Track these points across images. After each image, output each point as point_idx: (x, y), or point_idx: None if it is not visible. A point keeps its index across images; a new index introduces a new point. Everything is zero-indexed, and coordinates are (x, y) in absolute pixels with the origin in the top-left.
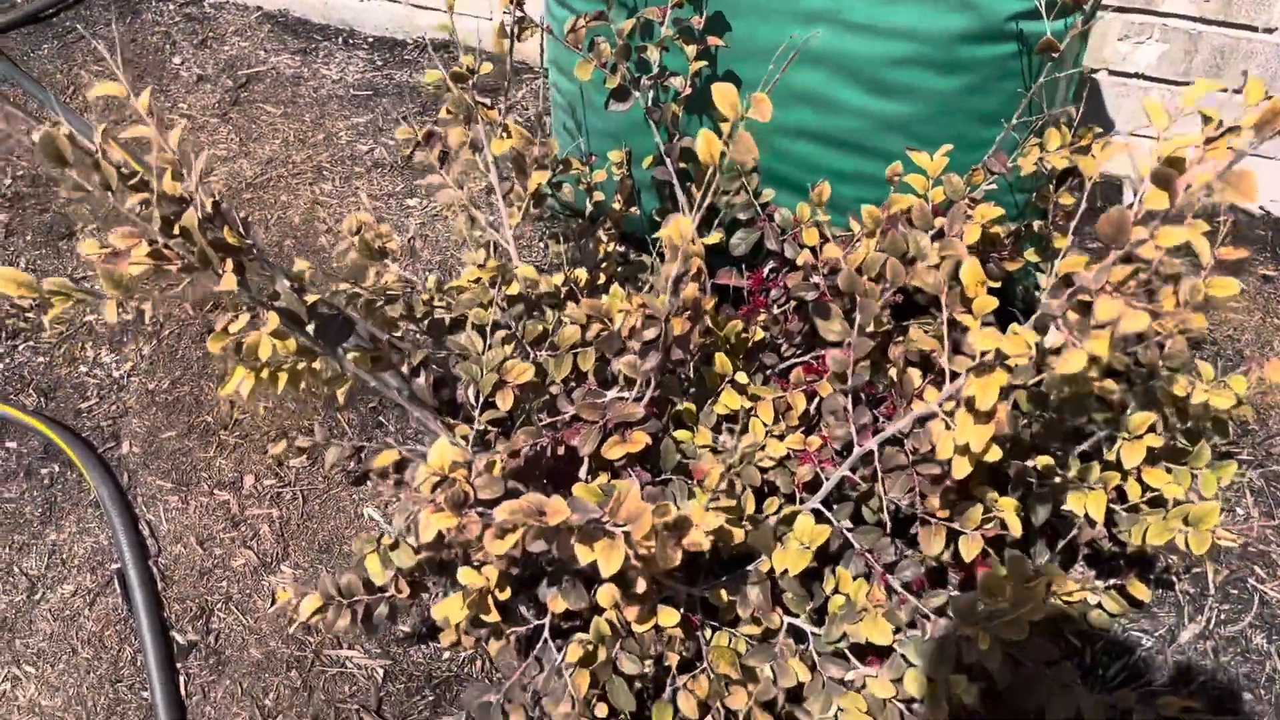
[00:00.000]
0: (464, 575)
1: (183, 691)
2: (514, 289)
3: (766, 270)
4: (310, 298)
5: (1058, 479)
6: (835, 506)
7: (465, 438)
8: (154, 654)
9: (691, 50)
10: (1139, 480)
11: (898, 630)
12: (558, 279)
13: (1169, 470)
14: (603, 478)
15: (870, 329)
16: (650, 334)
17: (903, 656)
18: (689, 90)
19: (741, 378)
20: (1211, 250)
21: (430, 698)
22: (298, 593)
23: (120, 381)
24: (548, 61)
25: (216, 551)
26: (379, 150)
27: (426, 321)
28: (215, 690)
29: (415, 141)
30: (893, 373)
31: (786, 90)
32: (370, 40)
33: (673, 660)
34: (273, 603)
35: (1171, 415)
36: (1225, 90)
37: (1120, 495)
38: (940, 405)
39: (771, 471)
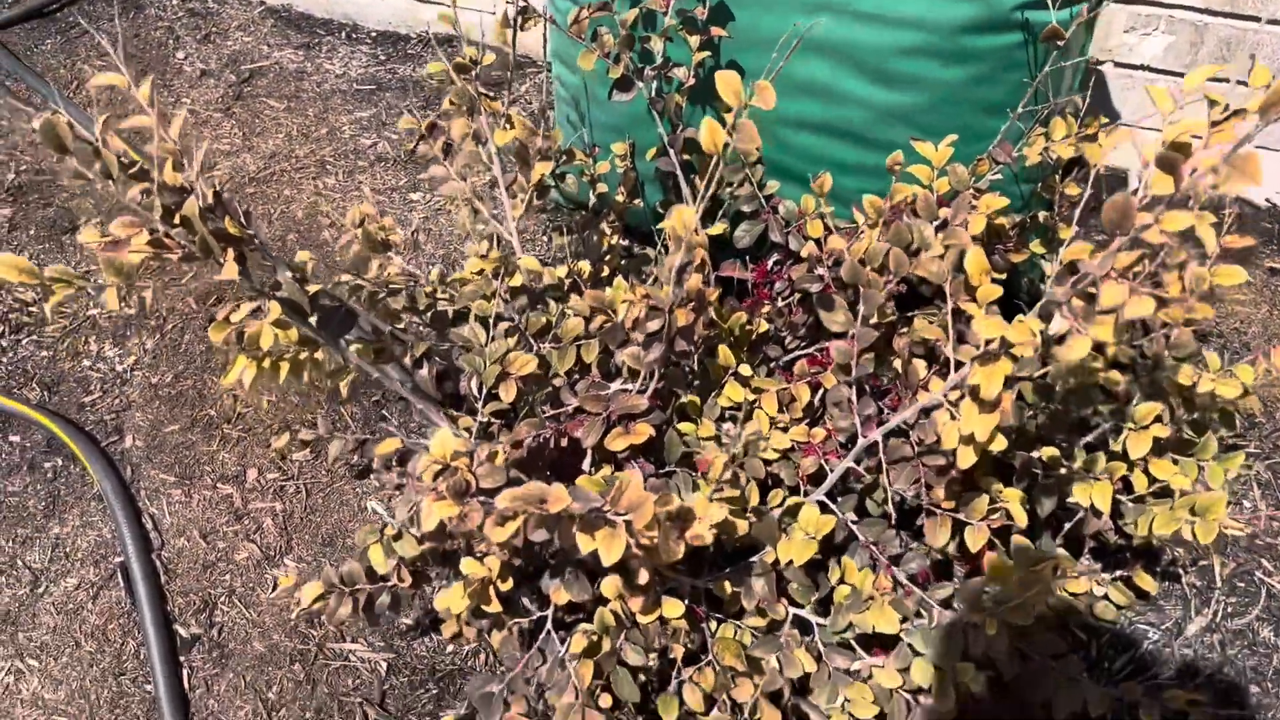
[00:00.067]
0: (466, 565)
1: (186, 685)
2: (517, 281)
3: (770, 262)
4: (312, 288)
5: (1063, 470)
6: (839, 499)
7: (468, 430)
8: (157, 647)
9: (695, 40)
10: (1145, 472)
11: (904, 620)
12: (561, 271)
13: (1175, 462)
14: (606, 470)
15: (874, 320)
16: (654, 325)
17: (909, 646)
18: (692, 81)
19: (745, 370)
20: (1217, 239)
21: (433, 691)
22: (299, 581)
23: (123, 375)
24: (550, 55)
25: (219, 545)
26: (382, 145)
27: (429, 314)
28: (218, 683)
29: (419, 134)
30: (897, 364)
31: (790, 81)
32: (373, 35)
33: (678, 652)
34: (273, 589)
35: (1178, 406)
36: (1229, 81)
37: (1126, 486)
38: (945, 395)
39: (776, 464)
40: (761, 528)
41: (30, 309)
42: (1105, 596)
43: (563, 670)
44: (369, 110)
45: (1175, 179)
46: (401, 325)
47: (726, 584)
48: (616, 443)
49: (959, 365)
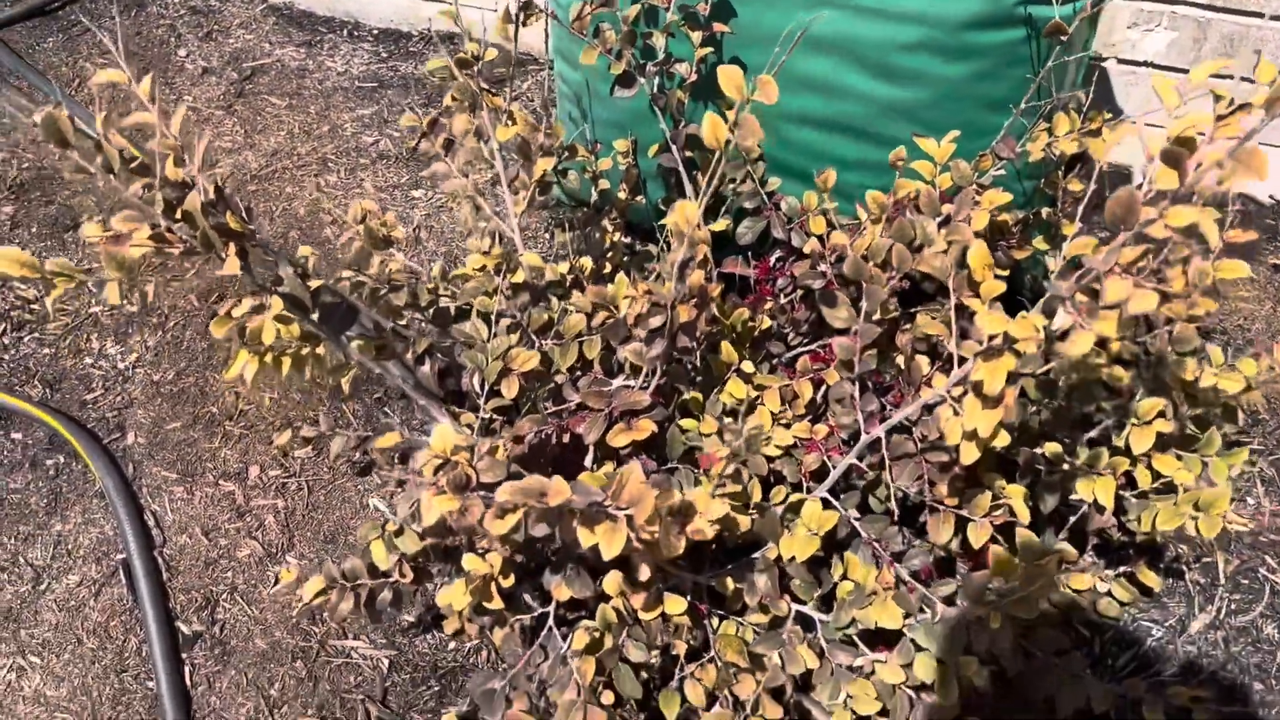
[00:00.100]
0: (468, 561)
1: (188, 682)
2: (519, 277)
3: (773, 259)
4: (314, 283)
5: (1066, 466)
6: (842, 495)
7: (470, 426)
8: (159, 644)
9: (697, 36)
10: (1148, 467)
11: (907, 615)
12: (563, 268)
13: (1179, 457)
14: (608, 466)
15: (877, 316)
16: (656, 321)
17: (912, 641)
18: (694, 76)
19: (748, 366)
20: (1220, 234)
21: (435, 688)
22: (301, 577)
23: (125, 373)
24: (552, 51)
25: (221, 542)
26: (384, 142)
27: (431, 310)
28: (220, 680)
29: (421, 130)
30: (900, 360)
31: (793, 76)
32: (375, 32)
33: (680, 649)
34: (275, 586)
35: (1181, 401)
36: (1234, 78)
37: (1129, 482)
38: (948, 391)
39: (778, 460)
40: (764, 524)
41: (32, 306)
42: (1109, 593)
43: (565, 667)
44: (371, 108)
45: (1180, 173)
46: (403, 321)
47: (729, 580)
48: (619, 439)
49: (962, 361)
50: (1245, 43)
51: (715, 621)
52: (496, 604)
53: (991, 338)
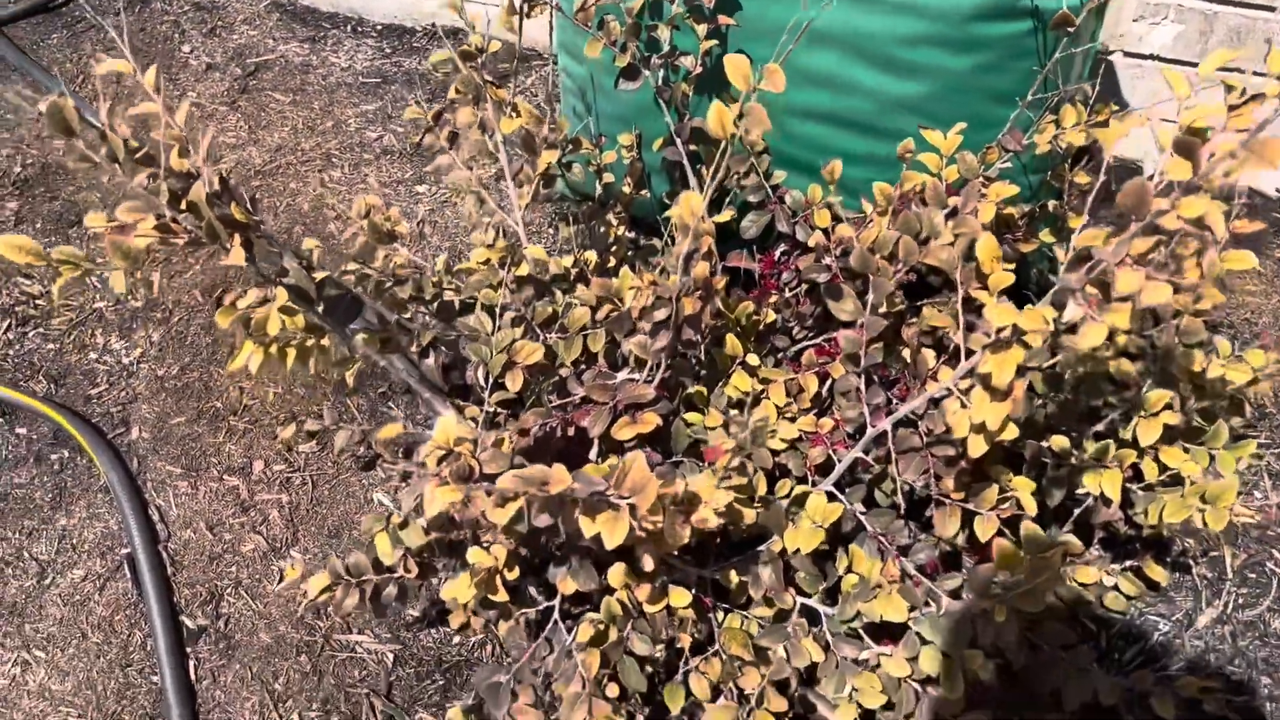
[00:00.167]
0: (473, 555)
1: (192, 676)
2: (523, 270)
3: (778, 253)
4: (318, 275)
5: (1073, 460)
6: (847, 489)
7: (474, 419)
8: (164, 638)
9: (702, 29)
10: (1155, 459)
11: (913, 609)
12: (567, 261)
13: (1186, 449)
14: (613, 459)
15: (883, 309)
16: (661, 314)
17: (918, 634)
18: (699, 69)
19: (753, 360)
20: (1226, 225)
21: (440, 682)
22: (306, 572)
23: (130, 368)
24: (556, 45)
25: (226, 536)
26: (388, 138)
27: (435, 303)
28: (225, 674)
29: (425, 124)
30: (906, 354)
31: (798, 70)
32: (379, 28)
33: (685, 642)
34: (280, 581)
35: (1188, 393)
36: (1242, 71)
37: (1136, 475)
38: (955, 384)
39: (783, 454)
40: (769, 516)
41: (37, 301)
42: (1115, 587)
43: (570, 660)
44: (374, 103)
45: (1194, 163)
46: (408, 315)
47: (733, 573)
48: (623, 432)
49: (969, 354)
50: (1252, 35)
51: (720, 615)
52: (501, 597)
53: (1000, 330)
